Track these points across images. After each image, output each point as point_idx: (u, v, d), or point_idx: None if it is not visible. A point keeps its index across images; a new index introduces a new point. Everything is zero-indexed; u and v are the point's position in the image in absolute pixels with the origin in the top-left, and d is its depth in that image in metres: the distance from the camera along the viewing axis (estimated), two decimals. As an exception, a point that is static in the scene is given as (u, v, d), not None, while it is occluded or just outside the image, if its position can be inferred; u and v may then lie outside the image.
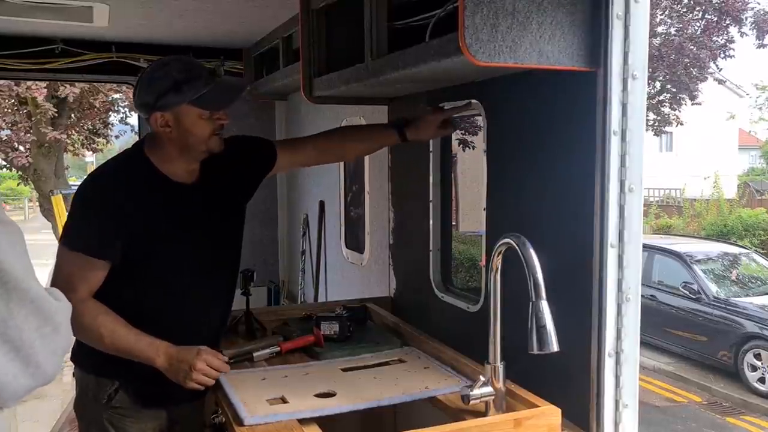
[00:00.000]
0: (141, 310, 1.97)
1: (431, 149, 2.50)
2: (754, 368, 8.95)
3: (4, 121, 11.67)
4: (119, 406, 2.01)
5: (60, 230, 9.42)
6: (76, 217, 1.98)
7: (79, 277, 1.91)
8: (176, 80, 1.90)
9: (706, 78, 17.46)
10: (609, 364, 1.66)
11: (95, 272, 1.94)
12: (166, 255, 2.00)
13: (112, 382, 2.01)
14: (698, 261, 10.32)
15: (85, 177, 2.10)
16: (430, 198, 2.52)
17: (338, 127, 2.82)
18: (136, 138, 4.48)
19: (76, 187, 2.05)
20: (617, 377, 1.67)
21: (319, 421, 1.77)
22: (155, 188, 1.99)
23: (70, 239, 1.94)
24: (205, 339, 2.03)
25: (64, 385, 7.29)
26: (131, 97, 12.60)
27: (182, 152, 2.00)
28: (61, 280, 1.88)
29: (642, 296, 1.72)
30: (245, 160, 2.21)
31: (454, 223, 2.63)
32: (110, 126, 13.92)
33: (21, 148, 11.77)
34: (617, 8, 1.59)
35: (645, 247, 7.07)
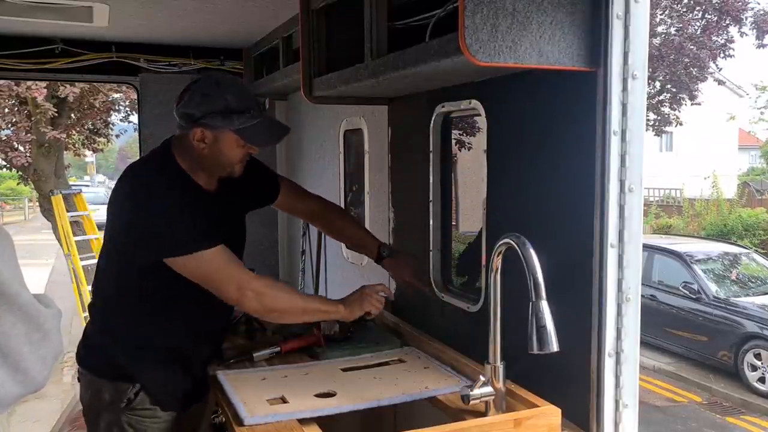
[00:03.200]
0: (166, 307, 2.04)
1: (431, 149, 2.50)
2: (754, 368, 8.95)
3: (4, 121, 11.66)
4: (141, 408, 2.03)
5: (60, 230, 9.32)
6: (170, 225, 1.92)
7: (228, 264, 1.95)
8: (228, 106, 1.94)
9: (706, 78, 17.45)
10: (609, 364, 1.66)
11: (230, 253, 1.97)
12: None
13: (132, 385, 2.03)
14: (698, 261, 10.32)
15: (132, 192, 2.02)
16: (430, 198, 2.52)
17: (340, 208, 2.90)
18: (137, 137, 4.48)
19: (130, 202, 1.97)
20: (617, 377, 1.67)
21: (319, 421, 1.78)
22: (193, 195, 2.04)
23: (187, 245, 1.91)
24: (217, 334, 2.22)
25: (64, 385, 7.30)
26: (131, 96, 12.50)
27: (207, 167, 2.05)
28: (219, 280, 1.93)
29: (642, 296, 1.72)
30: (250, 183, 2.23)
31: (454, 223, 2.63)
32: (111, 126, 13.93)
33: (21, 148, 11.76)
34: (617, 8, 1.59)
35: (645, 247, 7.06)
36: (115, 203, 2.03)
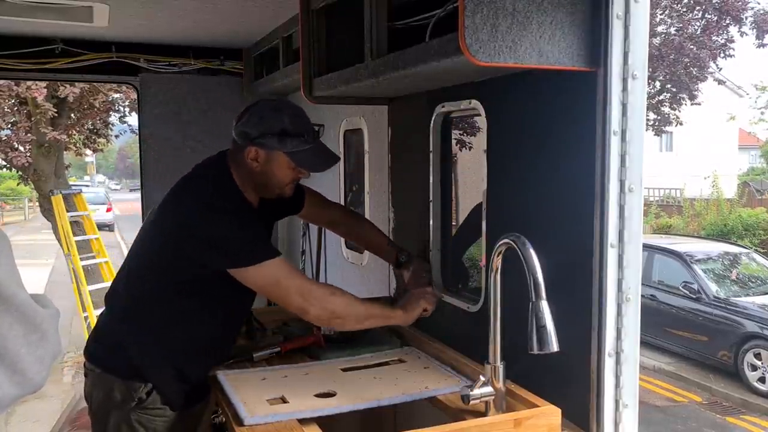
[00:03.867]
0: (201, 311, 2.08)
1: (431, 149, 2.50)
2: (754, 368, 8.95)
3: (4, 121, 11.65)
4: (152, 407, 2.05)
5: (60, 230, 9.27)
6: (235, 239, 1.96)
7: (292, 273, 2.00)
8: (284, 129, 2.01)
9: (706, 78, 17.45)
10: (609, 364, 1.67)
11: (291, 263, 2.03)
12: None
13: (143, 384, 2.04)
14: (698, 260, 10.31)
15: (193, 204, 2.05)
16: (430, 198, 2.52)
17: (359, 215, 3.03)
18: (136, 137, 4.49)
19: (187, 216, 2.00)
20: (617, 377, 1.67)
21: (319, 421, 1.78)
22: (247, 210, 2.09)
23: (253, 256, 1.95)
24: (237, 333, 2.31)
25: (64, 385, 7.30)
26: (131, 96, 12.44)
27: (256, 185, 2.11)
28: (285, 288, 1.97)
29: (642, 296, 1.72)
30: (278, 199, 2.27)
31: (454, 223, 2.63)
32: (110, 126, 13.92)
33: (21, 148, 11.75)
34: (617, 8, 1.59)
35: (645, 247, 7.06)
36: (169, 211, 2.05)
